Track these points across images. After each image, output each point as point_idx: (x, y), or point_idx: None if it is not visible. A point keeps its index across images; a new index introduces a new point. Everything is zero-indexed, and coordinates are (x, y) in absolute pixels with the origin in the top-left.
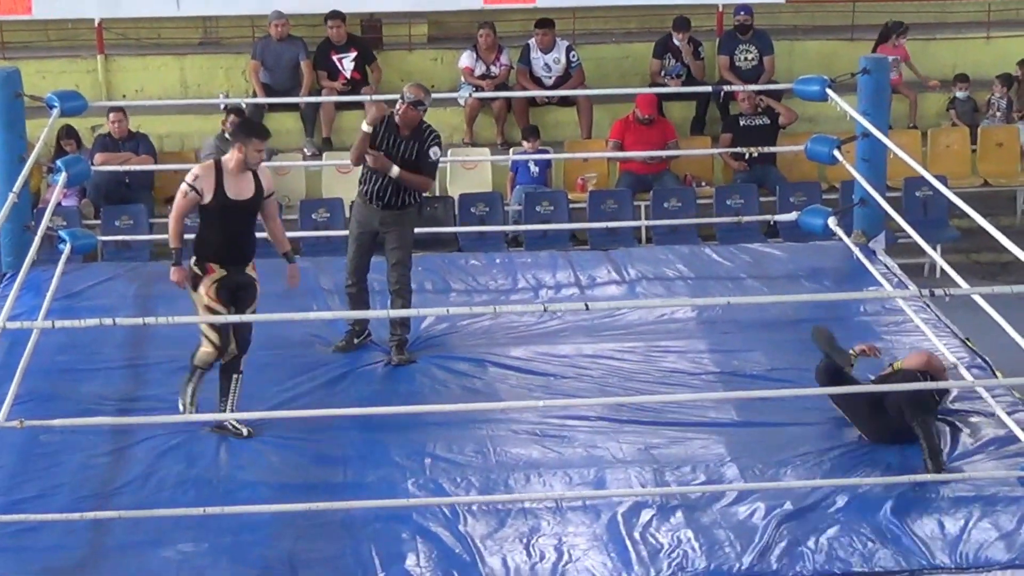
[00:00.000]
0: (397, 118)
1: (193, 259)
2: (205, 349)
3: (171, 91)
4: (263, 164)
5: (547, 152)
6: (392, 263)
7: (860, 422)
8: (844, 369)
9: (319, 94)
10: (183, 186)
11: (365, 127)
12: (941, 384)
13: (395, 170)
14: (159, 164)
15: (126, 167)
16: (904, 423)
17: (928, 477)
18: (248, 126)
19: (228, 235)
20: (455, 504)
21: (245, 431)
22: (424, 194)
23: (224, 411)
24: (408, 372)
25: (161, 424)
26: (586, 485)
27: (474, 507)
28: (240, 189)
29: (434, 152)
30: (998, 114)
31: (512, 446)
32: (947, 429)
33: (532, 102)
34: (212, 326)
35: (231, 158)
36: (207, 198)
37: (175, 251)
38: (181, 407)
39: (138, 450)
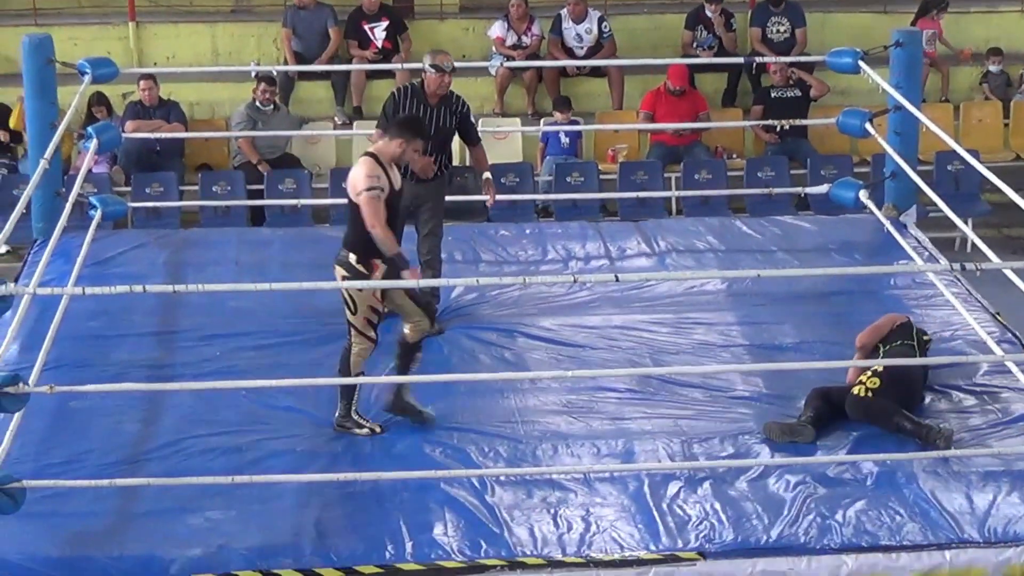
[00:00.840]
0: (428, 88)
1: (354, 257)
2: (363, 346)
3: (202, 59)
4: None
5: (578, 123)
6: (424, 234)
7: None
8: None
9: (350, 62)
10: (371, 192)
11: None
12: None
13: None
14: (190, 132)
15: (157, 134)
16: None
17: (957, 452)
18: (415, 126)
19: (396, 220)
20: (483, 475)
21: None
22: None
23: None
24: (436, 342)
25: (190, 391)
26: (614, 457)
27: (502, 477)
28: (396, 179)
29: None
30: None
31: (540, 417)
32: (976, 403)
33: (563, 72)
34: (371, 323)
35: (385, 150)
36: (386, 193)
37: (398, 256)
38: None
39: (167, 417)
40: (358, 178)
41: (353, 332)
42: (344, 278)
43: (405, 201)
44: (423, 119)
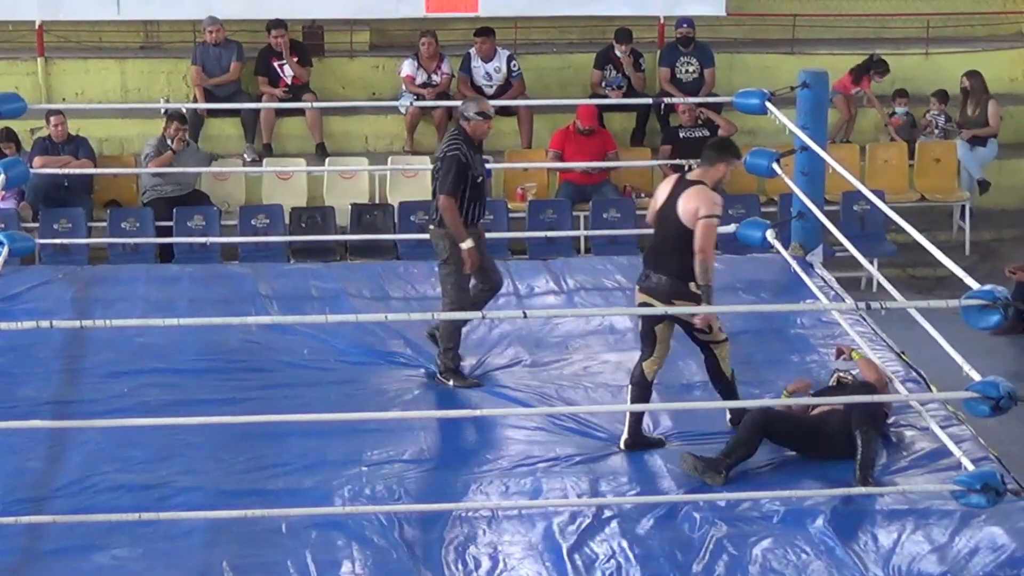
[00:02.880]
0: (475, 134)
1: (693, 285)
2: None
3: (111, 95)
4: None
5: (487, 161)
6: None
7: (804, 450)
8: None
9: (259, 99)
10: (713, 220)
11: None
12: (887, 397)
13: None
14: (99, 168)
15: (65, 170)
16: (843, 441)
17: (862, 490)
18: (731, 146)
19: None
20: (391, 511)
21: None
22: None
23: None
24: (345, 379)
25: (99, 428)
26: (522, 494)
27: (410, 514)
28: None
29: None
30: (936, 131)
31: (449, 454)
32: (882, 443)
33: None
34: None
35: (710, 175)
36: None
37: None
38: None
39: (74, 454)
40: (703, 203)
41: (713, 346)
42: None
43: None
44: (478, 167)
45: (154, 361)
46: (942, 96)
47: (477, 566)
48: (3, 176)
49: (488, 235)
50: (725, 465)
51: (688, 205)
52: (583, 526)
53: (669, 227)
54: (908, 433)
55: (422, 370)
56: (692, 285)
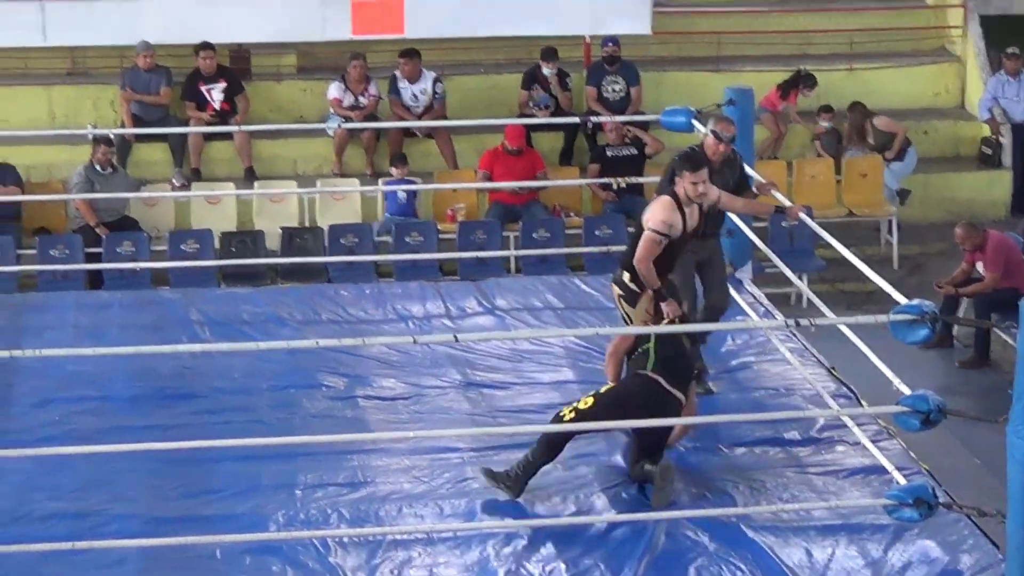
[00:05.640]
0: (713, 156)
1: (627, 276)
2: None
3: (38, 121)
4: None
5: (414, 182)
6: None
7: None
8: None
9: (187, 124)
10: (655, 235)
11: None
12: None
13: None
14: (26, 195)
15: None
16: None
17: (795, 506)
18: (687, 158)
19: (674, 259)
20: (326, 536)
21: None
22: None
23: None
24: (278, 403)
25: (30, 456)
26: (457, 516)
27: (345, 539)
28: (694, 220)
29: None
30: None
31: (383, 477)
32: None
33: (405, 131)
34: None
35: (678, 187)
36: (675, 236)
37: (659, 291)
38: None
39: (4, 483)
40: (654, 215)
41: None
42: (619, 296)
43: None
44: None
45: (85, 389)
46: (827, 108)
47: None
48: None
49: (418, 256)
50: (519, 482)
51: (648, 212)
52: (519, 548)
53: (638, 225)
54: (840, 448)
55: (354, 394)
56: (626, 275)
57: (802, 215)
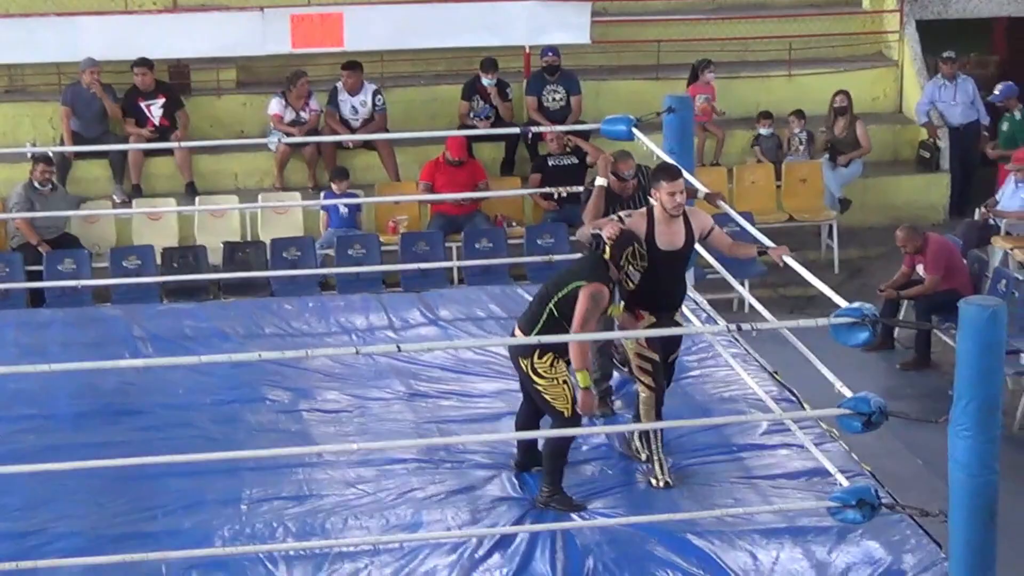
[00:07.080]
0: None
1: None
2: (644, 395)
3: None
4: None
5: (355, 195)
6: None
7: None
8: None
9: (126, 140)
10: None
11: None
12: (762, 417)
13: None
14: None
15: None
16: None
17: (739, 511)
18: (660, 170)
19: (660, 283)
20: (272, 550)
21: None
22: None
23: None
24: (221, 418)
25: None
26: (403, 527)
27: (291, 552)
28: (672, 239)
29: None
30: (800, 148)
31: (328, 490)
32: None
33: (340, 145)
34: (644, 370)
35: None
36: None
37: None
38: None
39: None
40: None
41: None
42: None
43: None
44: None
45: (27, 407)
46: (800, 114)
47: None
48: None
49: (361, 269)
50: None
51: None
52: (465, 556)
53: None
54: (783, 451)
55: (298, 407)
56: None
57: (786, 258)
